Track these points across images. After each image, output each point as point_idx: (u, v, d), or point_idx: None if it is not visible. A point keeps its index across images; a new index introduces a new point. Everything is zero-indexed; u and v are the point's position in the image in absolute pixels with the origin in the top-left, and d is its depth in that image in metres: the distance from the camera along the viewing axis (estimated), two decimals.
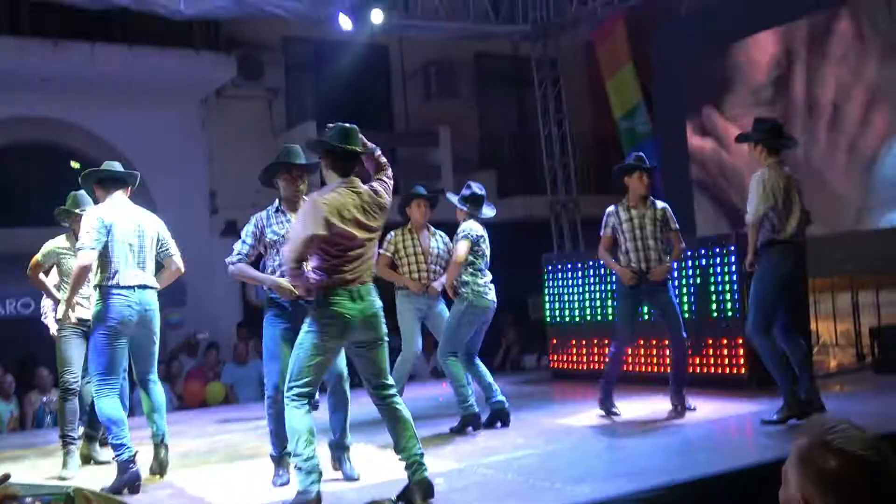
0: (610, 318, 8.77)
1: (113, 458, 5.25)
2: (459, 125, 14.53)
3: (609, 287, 8.88)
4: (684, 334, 6.67)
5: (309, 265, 4.44)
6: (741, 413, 6.46)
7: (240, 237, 5.38)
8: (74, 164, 13.38)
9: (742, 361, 7.61)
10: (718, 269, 7.85)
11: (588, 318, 9.20)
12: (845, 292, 9.61)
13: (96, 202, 5.73)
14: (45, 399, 9.51)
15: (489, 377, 6.60)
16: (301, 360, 4.37)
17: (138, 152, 12.21)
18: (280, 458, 5.11)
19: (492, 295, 6.57)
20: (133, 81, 11.78)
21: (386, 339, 4.56)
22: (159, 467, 5.40)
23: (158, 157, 12.43)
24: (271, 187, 5.45)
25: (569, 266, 9.53)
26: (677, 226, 6.74)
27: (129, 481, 5.05)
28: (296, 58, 14.21)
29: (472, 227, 6.52)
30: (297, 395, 4.35)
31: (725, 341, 7.76)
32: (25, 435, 8.49)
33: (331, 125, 4.64)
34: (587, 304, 9.22)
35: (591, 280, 9.17)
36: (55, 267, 6.44)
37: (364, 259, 4.48)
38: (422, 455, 4.43)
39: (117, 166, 5.69)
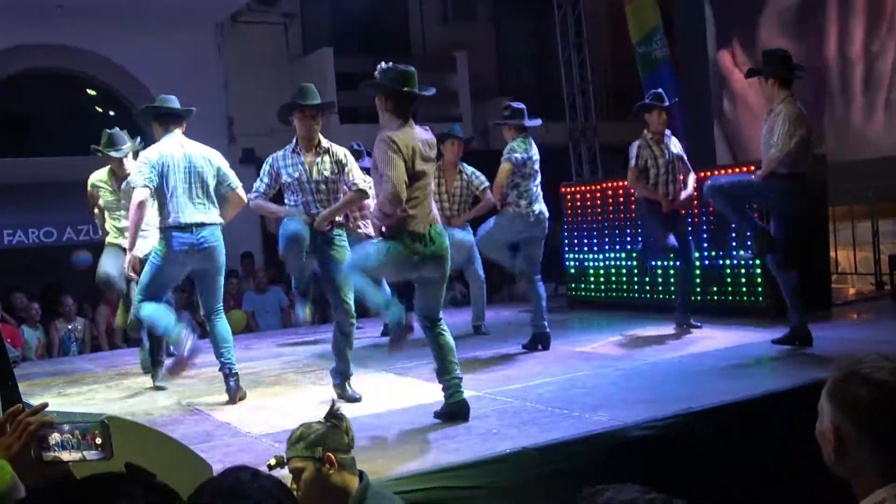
0: (629, 244, 8.80)
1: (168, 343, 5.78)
2: (477, 50, 14.34)
3: (627, 214, 8.86)
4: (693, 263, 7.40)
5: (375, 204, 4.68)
6: (757, 341, 6.49)
7: (259, 170, 5.59)
8: (91, 92, 13.41)
9: (759, 290, 7.62)
10: None
11: (607, 245, 9.19)
12: (865, 220, 9.55)
13: (149, 140, 5.82)
14: (70, 327, 9.68)
15: (543, 302, 6.83)
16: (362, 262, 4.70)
17: (154, 79, 12.14)
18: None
19: (536, 214, 6.81)
20: (147, 5, 11.63)
21: (447, 277, 4.82)
22: (235, 396, 5.51)
23: (174, 84, 12.29)
24: (288, 125, 5.54)
25: (587, 193, 9.48)
26: (685, 158, 7.33)
27: (191, 351, 5.34)
28: None
29: (515, 149, 6.75)
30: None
31: (743, 270, 7.76)
32: (53, 362, 8.66)
33: (384, 66, 4.70)
34: (606, 231, 9.21)
35: (610, 207, 9.14)
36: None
37: (430, 195, 4.70)
38: (461, 379, 4.70)
39: (174, 101, 5.74)
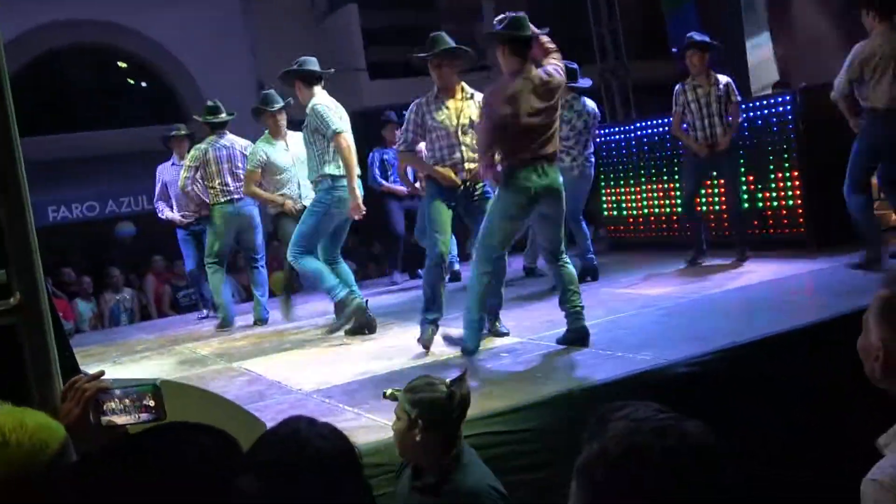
0: (667, 184, 8.75)
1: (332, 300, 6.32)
2: None
3: (661, 153, 8.79)
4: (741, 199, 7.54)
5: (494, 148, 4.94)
6: (800, 273, 6.45)
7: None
8: (122, 64, 13.53)
9: (801, 222, 7.54)
10: (775, 129, 7.68)
11: (643, 185, 9.13)
12: None
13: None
14: (118, 297, 9.89)
15: (588, 240, 7.46)
16: (491, 226, 4.94)
17: (183, 49, 12.25)
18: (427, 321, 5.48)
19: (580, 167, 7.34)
20: None
21: (564, 214, 5.10)
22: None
23: (203, 53, 12.45)
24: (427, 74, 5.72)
25: (622, 134, 9.40)
26: (738, 98, 7.30)
27: (354, 313, 6.09)
28: None
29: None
30: (482, 257, 4.97)
31: (783, 202, 7.67)
32: (105, 333, 8.87)
33: (501, 17, 4.98)
34: (642, 172, 9.14)
35: (646, 147, 9.06)
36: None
37: (544, 139, 4.88)
38: (582, 308, 5.03)
39: (314, 63, 6.31)
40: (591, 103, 7.51)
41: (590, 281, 7.19)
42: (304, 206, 6.75)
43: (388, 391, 3.05)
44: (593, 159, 7.62)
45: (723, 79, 7.26)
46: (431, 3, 14.49)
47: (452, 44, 5.53)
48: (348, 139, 6.07)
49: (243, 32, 13.22)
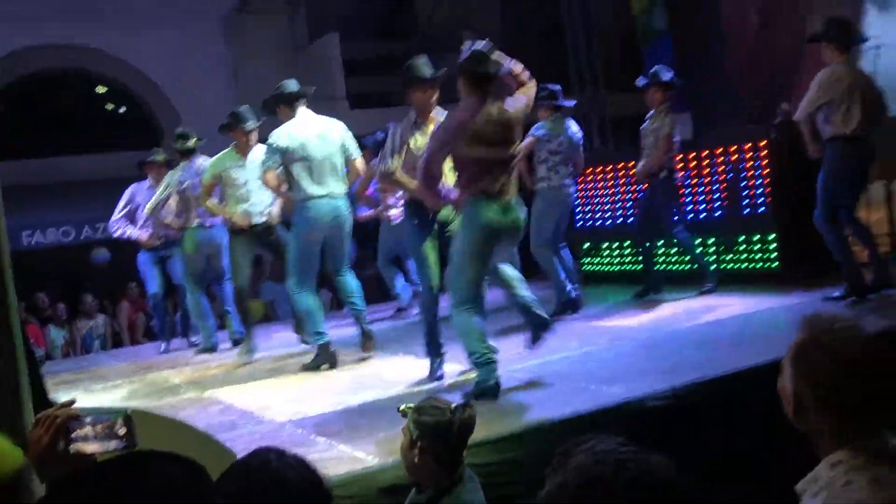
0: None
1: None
2: (483, 27, 14.29)
3: (637, 188, 8.88)
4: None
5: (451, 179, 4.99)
6: (773, 307, 6.51)
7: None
8: (100, 89, 13.50)
9: (774, 256, 7.62)
10: (749, 164, 7.77)
11: (620, 219, 9.19)
12: (879, 181, 9.46)
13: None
14: (91, 324, 9.81)
15: (571, 265, 7.53)
16: (460, 265, 4.82)
17: (163, 74, 12.24)
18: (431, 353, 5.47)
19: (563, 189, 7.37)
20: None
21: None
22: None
23: (184, 77, 12.47)
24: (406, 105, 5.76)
25: (598, 167, 9.46)
26: (676, 139, 7.54)
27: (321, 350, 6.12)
28: None
29: (540, 126, 7.34)
30: (457, 300, 4.82)
31: (758, 236, 7.74)
32: (77, 360, 8.79)
33: (467, 46, 4.93)
34: (618, 205, 9.21)
35: (622, 181, 9.13)
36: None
37: (500, 173, 4.80)
38: (534, 301, 5.19)
39: (293, 84, 6.33)
40: (573, 126, 7.48)
41: (570, 314, 7.12)
42: (257, 223, 6.82)
43: (402, 407, 3.07)
44: (574, 182, 7.59)
45: (670, 117, 7.43)
46: (414, 33, 14.60)
47: (429, 71, 5.54)
48: (269, 176, 6.18)
49: (225, 60, 13.26)
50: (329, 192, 6.17)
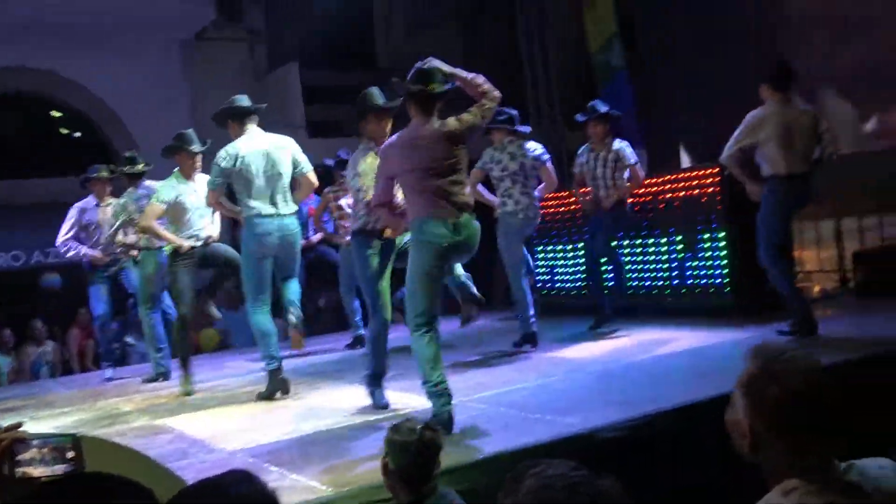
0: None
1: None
2: (444, 56, 14.39)
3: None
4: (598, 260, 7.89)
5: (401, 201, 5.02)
6: (727, 341, 6.58)
7: None
8: (55, 114, 13.33)
9: (727, 290, 7.71)
10: (703, 199, 7.88)
11: (580, 253, 9.23)
12: (829, 219, 9.67)
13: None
14: (40, 350, 9.61)
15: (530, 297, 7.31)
16: (412, 289, 4.74)
17: (119, 100, 12.13)
18: (370, 378, 5.45)
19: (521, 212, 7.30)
20: (110, 24, 11.62)
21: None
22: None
23: (140, 104, 12.35)
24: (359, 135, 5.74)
25: (552, 201, 9.53)
26: (631, 161, 7.65)
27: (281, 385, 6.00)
28: None
29: (486, 154, 7.38)
30: (414, 325, 4.71)
31: (710, 271, 7.84)
32: (24, 387, 8.59)
33: (417, 65, 4.87)
34: (575, 237, 9.27)
35: (578, 214, 9.20)
36: None
37: (447, 191, 4.71)
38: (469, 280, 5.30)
39: (245, 100, 6.27)
40: (533, 146, 7.37)
41: (529, 349, 7.09)
42: (195, 246, 6.74)
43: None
44: (538, 204, 7.47)
45: (616, 144, 7.65)
46: (373, 64, 14.66)
47: (382, 100, 5.54)
48: (213, 196, 6.20)
49: (183, 87, 13.16)
50: (277, 211, 6.11)
